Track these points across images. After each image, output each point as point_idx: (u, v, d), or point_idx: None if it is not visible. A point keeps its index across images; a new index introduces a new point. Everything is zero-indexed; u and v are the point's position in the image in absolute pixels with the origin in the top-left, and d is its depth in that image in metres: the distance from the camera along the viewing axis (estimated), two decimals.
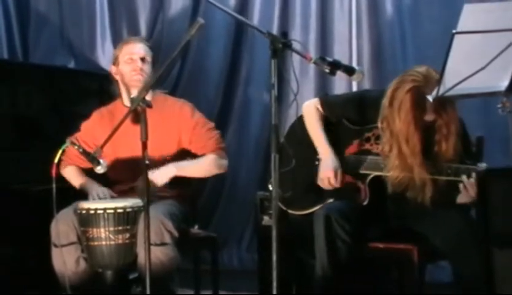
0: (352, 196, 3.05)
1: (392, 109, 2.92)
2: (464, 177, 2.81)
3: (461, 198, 2.90)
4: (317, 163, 3.19)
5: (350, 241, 2.89)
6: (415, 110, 2.87)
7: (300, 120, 3.28)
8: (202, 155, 3.40)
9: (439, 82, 2.65)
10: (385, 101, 2.95)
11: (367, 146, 3.08)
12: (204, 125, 3.43)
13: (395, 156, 2.93)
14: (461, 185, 2.81)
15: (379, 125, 3.00)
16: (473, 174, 2.80)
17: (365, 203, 3.01)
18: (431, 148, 2.94)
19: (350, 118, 3.15)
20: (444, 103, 2.83)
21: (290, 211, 3.16)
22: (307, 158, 3.22)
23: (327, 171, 3.05)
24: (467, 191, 2.80)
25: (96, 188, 3.31)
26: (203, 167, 3.39)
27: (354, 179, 3.07)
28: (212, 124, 3.48)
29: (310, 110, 3.22)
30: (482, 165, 2.81)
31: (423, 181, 2.90)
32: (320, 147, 3.15)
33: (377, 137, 3.06)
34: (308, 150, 3.22)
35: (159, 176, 3.22)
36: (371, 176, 3.03)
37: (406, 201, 3.01)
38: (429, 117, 2.90)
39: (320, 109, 3.22)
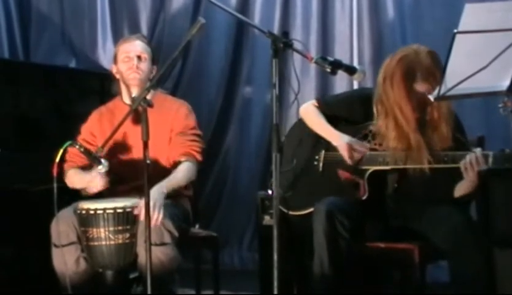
0: (351, 192, 3.05)
1: (385, 84, 2.96)
2: (467, 156, 2.79)
3: (461, 188, 2.90)
4: (315, 163, 3.20)
5: (349, 238, 2.88)
6: (406, 79, 2.90)
7: (300, 122, 3.29)
8: (177, 155, 3.33)
9: (431, 58, 2.78)
10: (379, 79, 3.00)
11: (365, 143, 3.09)
12: (191, 128, 3.40)
13: (391, 129, 2.96)
14: (462, 165, 2.80)
15: (375, 107, 3.03)
16: (478, 151, 2.78)
17: (364, 197, 3.01)
18: (424, 117, 2.95)
19: (347, 117, 3.17)
20: (434, 73, 2.85)
21: (291, 213, 3.16)
22: (308, 158, 3.23)
23: (346, 149, 3.03)
24: (467, 172, 2.79)
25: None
26: (183, 177, 3.30)
27: (353, 175, 3.07)
28: (200, 132, 3.43)
29: (308, 110, 3.23)
30: (477, 150, 2.80)
31: (419, 146, 2.92)
32: (328, 134, 3.14)
33: (375, 134, 3.06)
34: (308, 151, 3.23)
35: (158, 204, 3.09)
36: (370, 170, 3.03)
37: (406, 200, 3.01)
38: (420, 86, 2.91)
39: (317, 105, 3.25)
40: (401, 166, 2.96)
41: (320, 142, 3.20)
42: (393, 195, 3.04)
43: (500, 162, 2.72)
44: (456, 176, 2.87)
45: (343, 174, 3.11)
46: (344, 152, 3.04)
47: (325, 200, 2.98)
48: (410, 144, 2.94)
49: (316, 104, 3.25)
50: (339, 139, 3.08)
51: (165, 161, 3.35)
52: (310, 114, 3.23)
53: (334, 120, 3.19)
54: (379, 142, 3.03)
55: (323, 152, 3.19)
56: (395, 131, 2.96)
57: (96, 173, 3.17)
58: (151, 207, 2.87)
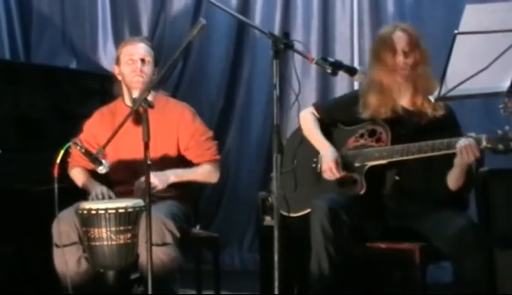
0: (349, 189, 3.05)
1: (369, 65, 3.12)
2: (460, 141, 2.79)
3: (453, 175, 2.90)
4: (313, 165, 3.21)
5: (348, 234, 2.88)
6: (384, 34, 3.06)
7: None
8: (197, 163, 3.40)
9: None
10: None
11: (361, 141, 3.11)
12: (203, 133, 3.44)
13: (372, 89, 3.07)
14: (458, 148, 2.79)
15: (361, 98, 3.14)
16: (473, 135, 2.78)
17: (362, 192, 3.01)
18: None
19: (344, 119, 3.20)
20: (411, 29, 3.05)
21: (292, 215, 3.16)
22: (307, 160, 3.24)
23: (328, 162, 3.08)
24: (462, 155, 2.78)
25: (95, 189, 3.31)
26: (199, 176, 3.41)
27: (351, 173, 3.08)
28: (211, 133, 3.49)
29: (306, 117, 3.27)
30: (471, 135, 2.80)
31: (390, 87, 3.04)
32: (319, 144, 3.19)
33: (371, 132, 3.09)
34: (308, 153, 3.25)
35: (159, 181, 3.22)
36: (367, 166, 3.04)
37: (405, 199, 3.01)
38: (398, 36, 3.03)
39: (315, 112, 3.29)
40: (397, 159, 2.96)
41: None
42: (393, 193, 3.04)
43: (494, 144, 2.70)
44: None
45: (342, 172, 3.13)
46: (324, 164, 3.09)
47: (323, 197, 2.99)
48: (383, 87, 3.03)
49: (314, 111, 3.27)
50: (326, 151, 3.13)
51: (167, 162, 3.36)
52: (307, 122, 3.25)
53: (332, 124, 3.23)
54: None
55: (320, 154, 3.20)
56: (372, 85, 3.06)
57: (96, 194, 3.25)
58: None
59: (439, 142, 2.86)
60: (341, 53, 4.55)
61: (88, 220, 3.05)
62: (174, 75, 4.89)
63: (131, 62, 3.39)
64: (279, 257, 2.47)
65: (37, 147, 3.91)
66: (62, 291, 3.12)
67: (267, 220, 3.57)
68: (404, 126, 3.04)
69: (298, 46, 2.58)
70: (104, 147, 3.01)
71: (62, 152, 2.95)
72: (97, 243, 3.03)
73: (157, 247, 2.96)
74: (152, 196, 2.86)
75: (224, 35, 4.85)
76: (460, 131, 3.03)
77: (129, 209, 3.05)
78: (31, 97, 4.10)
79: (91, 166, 3.26)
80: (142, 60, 3.38)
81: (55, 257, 3.14)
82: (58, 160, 2.94)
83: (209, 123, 4.68)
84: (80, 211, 3.08)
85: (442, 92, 2.63)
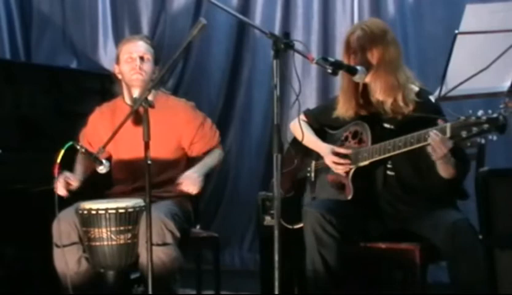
0: (339, 194, 3.05)
1: None
2: (429, 139, 2.74)
3: (440, 170, 2.87)
4: (308, 174, 3.22)
5: (339, 237, 2.88)
6: (344, 47, 3.03)
7: None
8: (203, 154, 3.42)
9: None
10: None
11: (346, 145, 3.10)
12: (206, 122, 3.48)
13: (340, 79, 3.07)
14: (429, 149, 2.75)
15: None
16: (433, 132, 2.72)
17: (349, 197, 3.00)
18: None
19: (330, 123, 3.20)
20: (364, 25, 3.01)
21: (289, 227, 3.16)
22: (307, 160, 3.24)
23: (329, 159, 3.08)
24: (435, 151, 2.73)
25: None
26: (215, 163, 3.49)
27: (339, 177, 3.07)
28: (210, 121, 3.53)
29: (297, 124, 3.19)
30: (438, 126, 2.73)
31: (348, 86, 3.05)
32: (315, 145, 3.18)
33: (354, 134, 3.08)
34: (304, 163, 3.26)
35: (192, 186, 3.22)
36: (353, 169, 3.03)
37: (400, 203, 3.00)
38: (351, 35, 3.01)
39: (305, 118, 3.29)
40: (378, 158, 2.94)
41: (312, 154, 3.23)
42: (386, 193, 3.02)
43: (457, 131, 2.64)
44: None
45: (330, 176, 3.13)
46: (329, 163, 3.07)
47: (314, 203, 3.01)
48: (346, 87, 3.03)
49: (304, 118, 3.26)
50: (323, 150, 3.13)
51: (167, 162, 3.36)
52: (299, 128, 3.15)
53: (321, 129, 3.23)
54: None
55: (313, 162, 3.21)
56: (341, 86, 3.08)
57: (61, 180, 3.18)
58: (195, 176, 3.20)
59: (410, 136, 2.82)
60: (341, 53, 4.54)
61: (88, 220, 3.05)
62: (174, 75, 4.90)
63: (130, 61, 3.39)
64: (279, 257, 2.47)
65: (37, 146, 3.91)
66: (62, 291, 3.13)
67: (268, 220, 3.57)
68: (384, 121, 3.02)
69: (298, 46, 2.58)
70: (104, 146, 3.01)
71: (62, 151, 2.96)
72: (98, 243, 3.03)
73: (157, 247, 2.96)
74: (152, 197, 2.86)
75: (224, 35, 4.85)
76: (440, 117, 2.97)
77: (129, 209, 3.05)
78: (31, 97, 4.10)
79: (92, 166, 3.26)
80: (141, 58, 3.38)
81: (55, 257, 3.14)
82: (58, 160, 2.94)
83: None
84: (80, 211, 3.08)
85: (443, 92, 2.63)
